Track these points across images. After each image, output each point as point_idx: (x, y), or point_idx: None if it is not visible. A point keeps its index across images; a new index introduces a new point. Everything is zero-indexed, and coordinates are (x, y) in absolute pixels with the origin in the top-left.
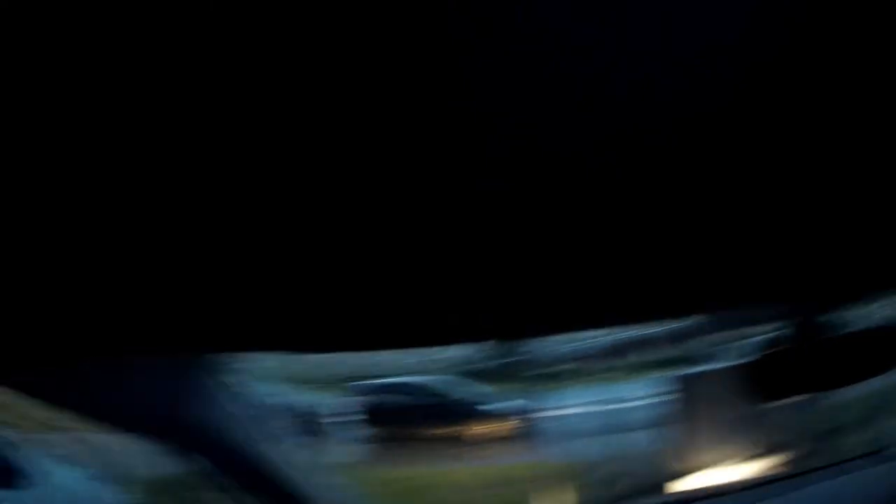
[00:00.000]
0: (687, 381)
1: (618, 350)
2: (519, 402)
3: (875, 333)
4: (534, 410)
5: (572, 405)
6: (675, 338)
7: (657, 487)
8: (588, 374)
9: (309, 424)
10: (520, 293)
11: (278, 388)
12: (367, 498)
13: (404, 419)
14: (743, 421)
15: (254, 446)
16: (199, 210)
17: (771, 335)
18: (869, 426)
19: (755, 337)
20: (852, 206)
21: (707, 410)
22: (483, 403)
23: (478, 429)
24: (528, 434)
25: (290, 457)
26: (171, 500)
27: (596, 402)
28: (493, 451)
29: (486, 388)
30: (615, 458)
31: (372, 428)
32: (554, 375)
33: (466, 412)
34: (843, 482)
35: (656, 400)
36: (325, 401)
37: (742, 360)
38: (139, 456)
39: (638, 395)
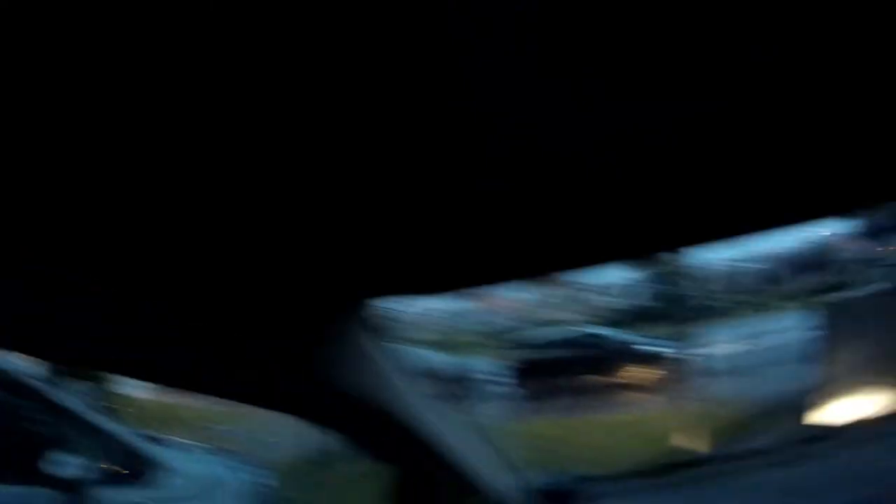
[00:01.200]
0: (839, 308)
1: (768, 279)
2: (672, 344)
3: None
4: (686, 352)
5: (725, 342)
6: (825, 263)
7: (809, 422)
8: (740, 308)
9: (462, 386)
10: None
11: (430, 350)
12: (521, 454)
13: (557, 372)
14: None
15: (403, 414)
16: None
17: None
18: None
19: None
20: None
21: (859, 338)
22: (636, 348)
23: (633, 374)
24: (681, 377)
25: (441, 422)
26: (308, 480)
27: (748, 337)
28: (649, 397)
29: (637, 333)
30: (766, 396)
31: (526, 384)
32: (706, 312)
33: (619, 359)
34: None
35: (809, 332)
36: (478, 362)
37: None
38: (278, 437)
39: (790, 326)
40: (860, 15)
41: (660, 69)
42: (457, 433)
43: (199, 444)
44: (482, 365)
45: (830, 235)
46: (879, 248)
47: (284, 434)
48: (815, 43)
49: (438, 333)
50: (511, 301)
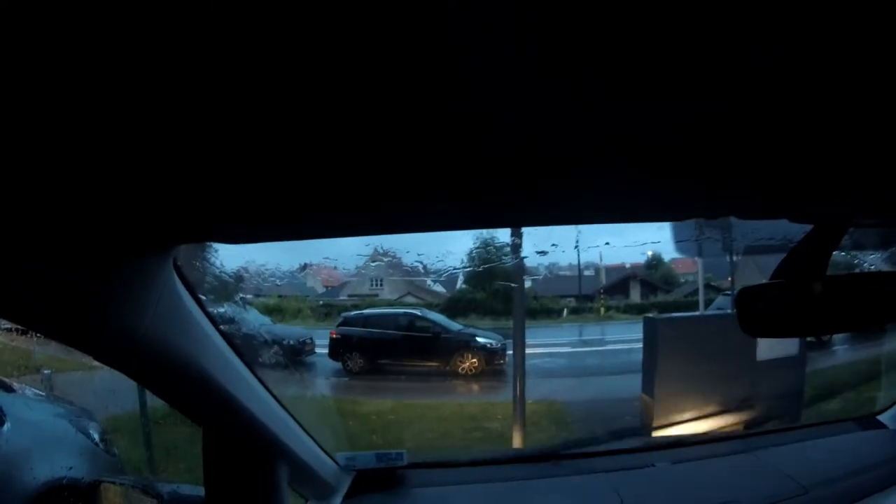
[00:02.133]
0: (669, 324)
1: (609, 289)
2: (497, 338)
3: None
4: (513, 347)
5: (550, 344)
6: (666, 280)
7: (634, 431)
8: (574, 313)
9: (296, 355)
10: None
11: (268, 319)
12: (342, 432)
13: (386, 352)
14: (729, 372)
15: (210, 372)
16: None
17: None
18: (859, 392)
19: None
20: None
21: (684, 355)
22: (467, 338)
23: (461, 363)
24: (507, 371)
25: (256, 389)
26: (129, 434)
27: (573, 342)
28: (477, 387)
29: (465, 323)
30: (596, 399)
31: (353, 361)
32: (536, 313)
33: (450, 346)
34: (830, 443)
35: (639, 342)
36: (310, 331)
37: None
38: (109, 392)
39: (623, 337)
40: (860, 15)
41: (660, 69)
42: (272, 402)
43: (31, 390)
44: (302, 333)
45: (675, 258)
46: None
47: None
48: (815, 43)
49: (272, 300)
50: (342, 274)
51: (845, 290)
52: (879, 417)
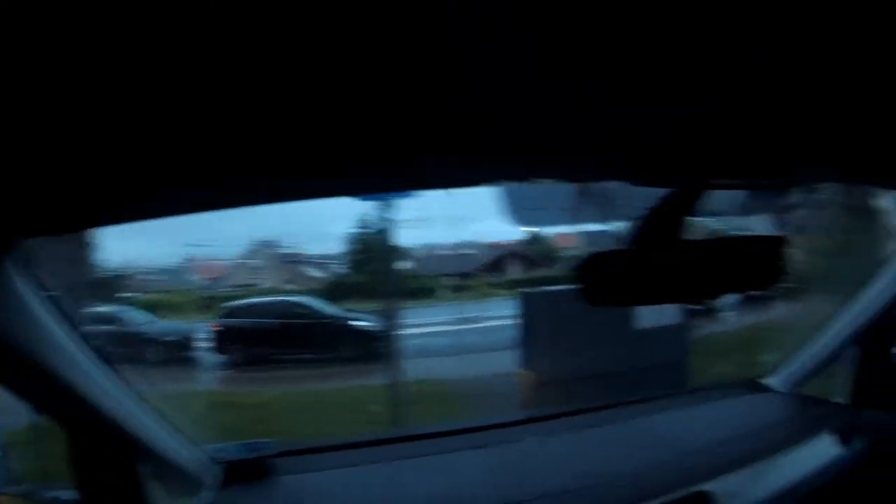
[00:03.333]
0: (545, 297)
1: (485, 267)
2: (378, 321)
3: None
4: (392, 329)
5: (431, 324)
6: (544, 258)
7: (511, 406)
8: (454, 291)
9: (175, 349)
10: None
11: (152, 316)
12: (216, 423)
13: (262, 341)
14: (605, 342)
15: (61, 368)
16: None
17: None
18: (746, 356)
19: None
20: None
21: (558, 330)
22: (342, 321)
23: (337, 347)
24: (387, 353)
25: (113, 382)
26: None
27: (453, 321)
28: (358, 370)
29: (345, 307)
30: (477, 376)
31: (229, 351)
32: (417, 293)
33: (325, 331)
34: (715, 407)
35: (511, 319)
36: (182, 325)
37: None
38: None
39: (503, 313)
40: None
41: (660, 69)
42: (134, 399)
43: None
44: (185, 328)
45: (557, 232)
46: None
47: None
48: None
49: (145, 292)
50: (222, 265)
51: (700, 256)
52: (766, 381)
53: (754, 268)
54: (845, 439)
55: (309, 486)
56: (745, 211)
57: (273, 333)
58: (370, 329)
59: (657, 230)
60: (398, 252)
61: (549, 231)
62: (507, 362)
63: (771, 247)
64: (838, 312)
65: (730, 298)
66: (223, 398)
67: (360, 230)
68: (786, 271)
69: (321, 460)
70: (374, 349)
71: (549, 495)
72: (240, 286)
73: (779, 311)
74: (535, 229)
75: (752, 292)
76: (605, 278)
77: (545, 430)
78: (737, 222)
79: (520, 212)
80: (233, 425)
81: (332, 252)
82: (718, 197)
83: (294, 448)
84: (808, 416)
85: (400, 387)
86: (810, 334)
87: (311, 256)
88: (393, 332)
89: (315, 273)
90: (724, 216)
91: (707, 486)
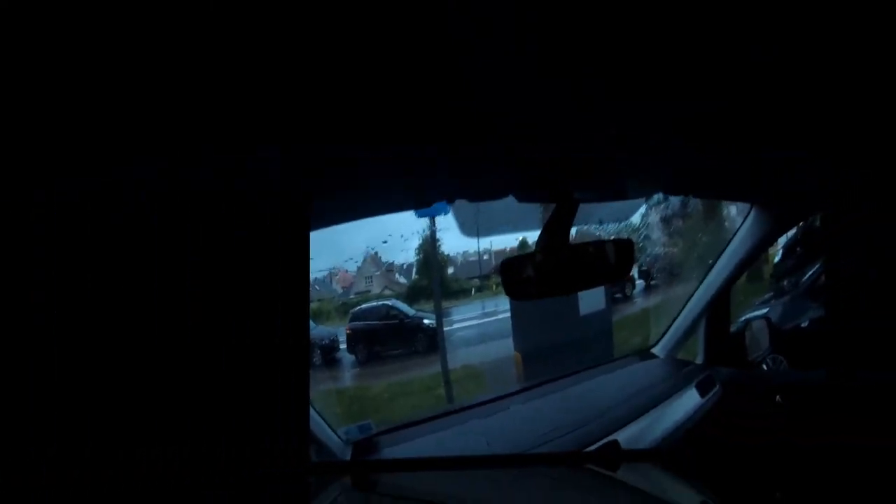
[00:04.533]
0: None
1: (492, 271)
2: (435, 318)
3: None
4: (445, 324)
5: (465, 319)
6: None
7: (511, 382)
8: (479, 291)
9: (328, 353)
10: None
11: (311, 322)
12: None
13: (370, 340)
14: None
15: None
16: None
17: None
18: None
19: None
20: None
21: (537, 316)
22: (419, 320)
23: (416, 343)
24: (442, 345)
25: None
26: None
27: (478, 315)
28: (429, 361)
29: (417, 308)
30: (495, 359)
31: (363, 350)
32: (457, 293)
33: (409, 329)
34: (618, 374)
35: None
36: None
37: None
38: None
39: (503, 307)
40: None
41: (659, 69)
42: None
43: None
44: (331, 332)
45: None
46: None
47: None
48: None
49: (313, 305)
50: (350, 275)
51: (577, 257)
52: (654, 350)
53: (613, 264)
54: (703, 391)
55: (400, 454)
56: (621, 218)
57: (379, 333)
58: (432, 326)
59: (550, 237)
60: (444, 259)
61: (533, 236)
62: (510, 346)
63: (624, 247)
64: (693, 293)
65: (635, 287)
66: (351, 392)
67: (421, 241)
68: (631, 266)
69: (405, 434)
70: (436, 342)
71: (522, 451)
72: (359, 293)
73: (661, 295)
74: (525, 236)
75: (615, 281)
76: (515, 278)
77: (522, 399)
78: (611, 228)
79: (511, 222)
80: (355, 412)
81: (408, 260)
82: (596, 208)
83: (389, 427)
84: (680, 374)
85: (450, 372)
86: (678, 311)
87: (396, 265)
88: (444, 328)
89: (401, 279)
90: (603, 224)
91: (617, 436)
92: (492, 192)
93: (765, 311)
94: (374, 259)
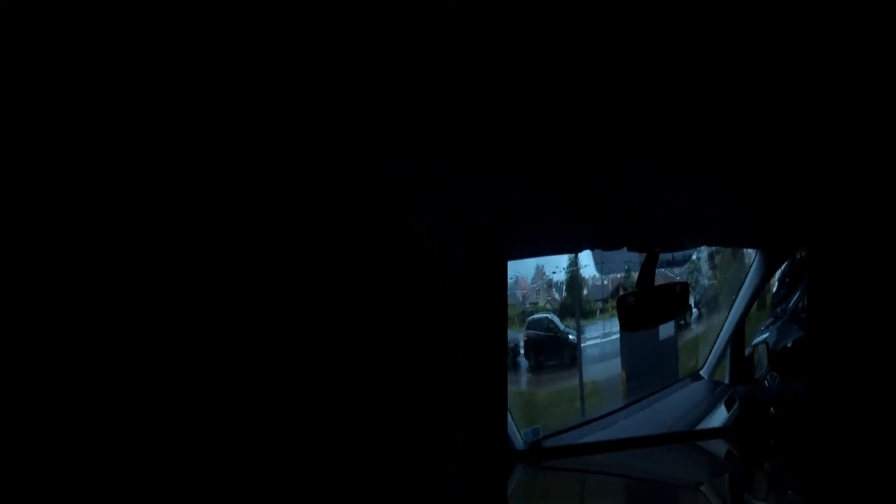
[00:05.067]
0: None
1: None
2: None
3: None
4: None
5: (595, 336)
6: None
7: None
8: (602, 312)
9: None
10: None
11: None
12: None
13: (542, 349)
14: None
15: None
16: None
17: None
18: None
19: None
20: None
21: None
22: (567, 335)
23: (565, 355)
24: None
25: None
26: None
27: (600, 335)
28: (574, 372)
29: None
30: (609, 377)
31: (534, 357)
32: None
33: (560, 342)
34: (685, 392)
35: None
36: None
37: None
38: None
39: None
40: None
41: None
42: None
43: None
44: (516, 339)
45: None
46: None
47: None
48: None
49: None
50: (528, 284)
51: (658, 296)
52: (700, 371)
53: (678, 300)
54: (728, 407)
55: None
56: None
57: (542, 343)
58: (574, 342)
59: (643, 279)
60: (583, 281)
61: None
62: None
63: (684, 287)
64: (724, 322)
65: (692, 315)
66: (523, 396)
67: (569, 262)
68: (688, 302)
69: (572, 435)
70: (576, 357)
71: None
72: (532, 303)
73: (705, 323)
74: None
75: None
76: (626, 314)
77: (625, 414)
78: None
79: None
80: (527, 415)
81: (560, 278)
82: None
83: (558, 429)
84: (715, 394)
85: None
86: (715, 338)
87: (555, 281)
88: (581, 344)
89: (556, 295)
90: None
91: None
92: (615, 245)
93: (766, 335)
94: (540, 272)
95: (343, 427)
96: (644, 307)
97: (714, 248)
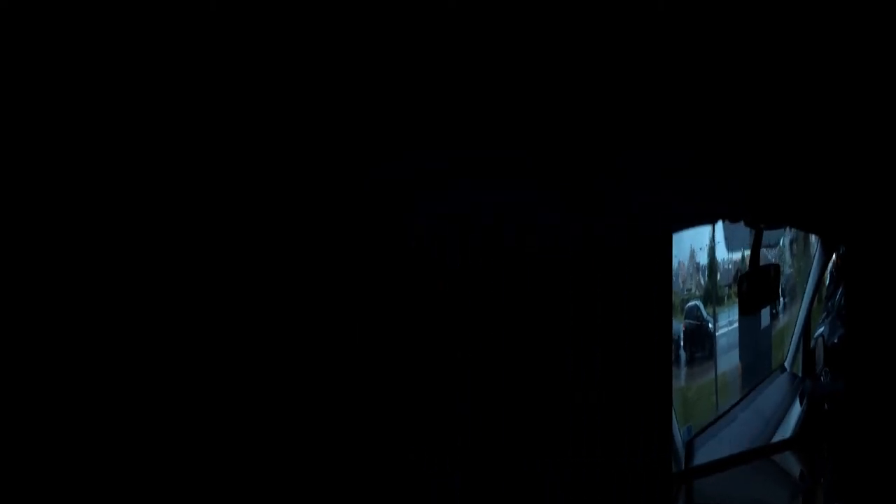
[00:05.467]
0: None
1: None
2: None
3: None
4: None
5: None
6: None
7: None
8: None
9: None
10: None
11: None
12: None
13: (694, 339)
14: None
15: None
16: None
17: None
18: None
19: None
20: None
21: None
22: (708, 324)
23: (707, 346)
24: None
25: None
26: None
27: (726, 323)
28: (710, 367)
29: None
30: (729, 369)
31: (688, 347)
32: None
33: (707, 332)
34: (773, 385)
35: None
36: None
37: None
38: None
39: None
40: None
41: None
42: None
43: None
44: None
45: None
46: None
47: None
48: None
49: None
50: (685, 267)
51: (762, 277)
52: (784, 363)
53: (772, 285)
54: (801, 401)
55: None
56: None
57: (692, 333)
58: (712, 332)
59: (754, 259)
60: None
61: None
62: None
63: (775, 272)
64: (797, 316)
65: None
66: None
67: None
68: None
69: (709, 432)
70: (713, 349)
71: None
72: (687, 290)
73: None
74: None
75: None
76: (746, 294)
77: (741, 407)
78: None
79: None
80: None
81: (703, 262)
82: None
83: (701, 427)
84: (793, 387)
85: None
86: (793, 330)
87: (701, 265)
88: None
89: (701, 280)
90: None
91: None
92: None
93: (822, 328)
94: (692, 256)
95: (343, 427)
96: (754, 290)
97: (795, 232)
